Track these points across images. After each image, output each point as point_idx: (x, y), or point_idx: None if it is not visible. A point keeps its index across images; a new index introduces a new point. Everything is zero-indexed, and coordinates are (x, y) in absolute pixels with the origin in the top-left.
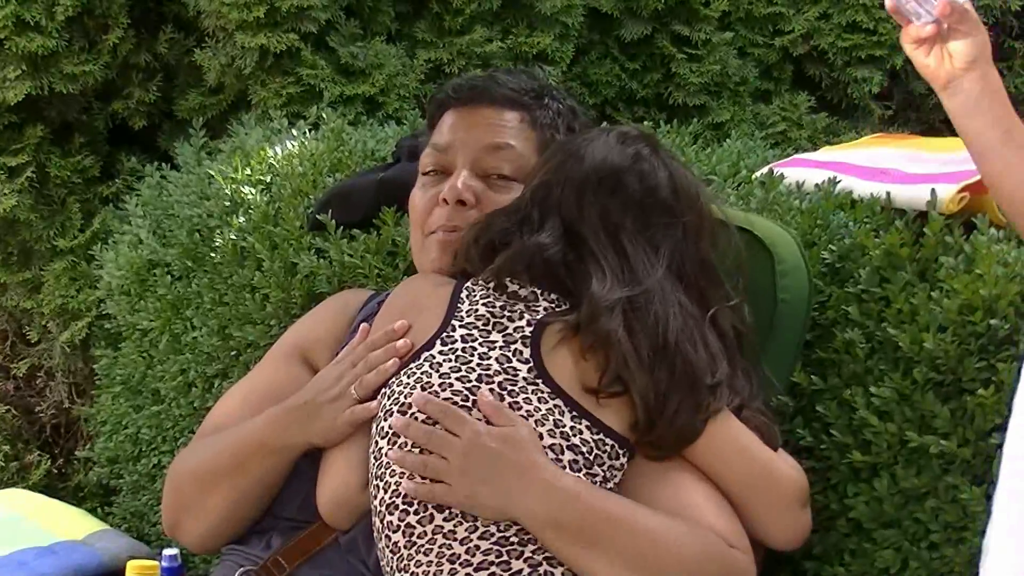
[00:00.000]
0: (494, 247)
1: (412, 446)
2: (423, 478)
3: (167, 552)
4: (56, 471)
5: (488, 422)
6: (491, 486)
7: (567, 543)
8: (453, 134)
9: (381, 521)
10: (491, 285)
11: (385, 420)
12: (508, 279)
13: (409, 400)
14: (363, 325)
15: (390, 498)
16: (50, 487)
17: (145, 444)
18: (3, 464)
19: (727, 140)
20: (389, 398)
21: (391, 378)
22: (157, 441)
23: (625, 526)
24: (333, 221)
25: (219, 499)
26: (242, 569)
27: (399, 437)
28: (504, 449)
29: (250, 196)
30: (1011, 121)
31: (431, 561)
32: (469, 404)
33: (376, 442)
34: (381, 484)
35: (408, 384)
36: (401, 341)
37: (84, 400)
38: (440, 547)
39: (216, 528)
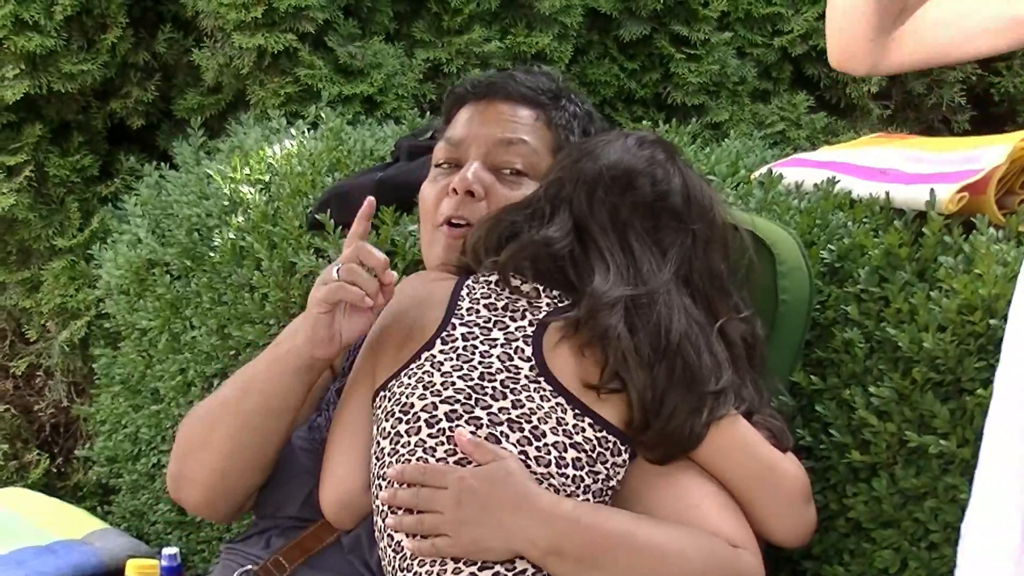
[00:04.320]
0: (502, 242)
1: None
2: (423, 537)
3: (166, 551)
4: (55, 470)
5: (470, 460)
6: (489, 527)
7: (571, 569)
8: (467, 128)
9: (383, 520)
10: (493, 280)
11: (386, 420)
12: (512, 274)
13: (411, 401)
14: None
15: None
16: (49, 486)
17: (144, 443)
18: (2, 463)
19: (726, 140)
20: (390, 399)
21: (391, 378)
22: (156, 440)
23: (627, 545)
24: (332, 220)
25: (222, 433)
26: (242, 569)
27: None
28: (493, 488)
29: (249, 195)
30: None
31: (435, 560)
32: (472, 402)
33: (378, 442)
34: (383, 484)
35: (410, 384)
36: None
37: (83, 399)
38: None
39: (218, 474)
